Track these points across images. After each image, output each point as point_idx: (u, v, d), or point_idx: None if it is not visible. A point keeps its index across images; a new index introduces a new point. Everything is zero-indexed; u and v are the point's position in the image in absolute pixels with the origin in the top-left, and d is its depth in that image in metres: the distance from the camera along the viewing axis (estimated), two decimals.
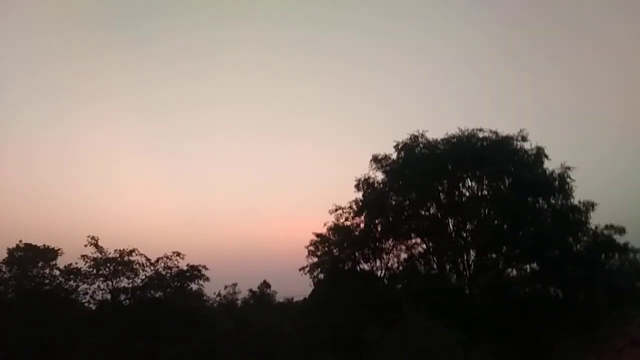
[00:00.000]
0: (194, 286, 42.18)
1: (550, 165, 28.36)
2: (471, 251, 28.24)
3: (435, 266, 29.33)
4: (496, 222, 28.46)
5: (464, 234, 28.73)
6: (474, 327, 24.20)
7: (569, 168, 27.84)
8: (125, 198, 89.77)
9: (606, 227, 27.48)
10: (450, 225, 28.84)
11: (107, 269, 39.58)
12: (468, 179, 28.88)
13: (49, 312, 35.50)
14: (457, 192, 29.00)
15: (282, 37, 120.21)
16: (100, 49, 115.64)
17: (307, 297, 38.83)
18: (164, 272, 41.12)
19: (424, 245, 29.74)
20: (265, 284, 55.28)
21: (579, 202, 27.68)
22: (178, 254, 42.14)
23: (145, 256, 40.74)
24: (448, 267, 29.01)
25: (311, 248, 34.04)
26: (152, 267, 40.93)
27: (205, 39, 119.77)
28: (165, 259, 41.62)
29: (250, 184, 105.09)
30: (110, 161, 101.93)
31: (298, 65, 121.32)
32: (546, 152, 28.42)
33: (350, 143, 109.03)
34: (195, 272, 41.88)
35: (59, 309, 36.78)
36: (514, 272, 28.59)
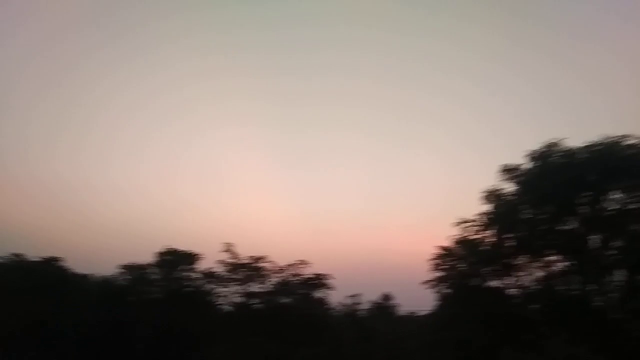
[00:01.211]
0: (318, 294, 43.67)
1: None
2: (620, 271, 25.42)
3: (576, 286, 26.85)
4: None
5: (610, 252, 25.97)
6: (623, 356, 21.73)
7: None
8: (257, 206, 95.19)
9: None
10: (594, 242, 26.27)
11: (240, 274, 42.57)
12: (613, 191, 26.12)
13: (191, 312, 38.99)
14: (600, 206, 26.36)
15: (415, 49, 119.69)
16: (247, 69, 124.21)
17: (431, 311, 37.89)
18: (291, 279, 43.14)
19: (563, 263, 27.39)
20: (387, 296, 54.94)
21: None
22: (304, 262, 44.02)
23: (274, 263, 43.21)
24: (592, 287, 26.39)
25: (436, 262, 33.23)
26: (280, 274, 43.27)
27: (342, 60, 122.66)
28: (292, 266, 43.69)
29: (374, 194, 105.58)
30: (245, 172, 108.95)
31: (424, 76, 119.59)
32: None
33: (475, 154, 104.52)
34: (320, 281, 43.30)
35: (199, 309, 40.26)
36: None
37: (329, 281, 43.14)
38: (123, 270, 44.42)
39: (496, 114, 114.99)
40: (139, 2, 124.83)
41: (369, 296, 53.30)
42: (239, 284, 42.48)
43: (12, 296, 37.67)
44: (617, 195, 26.18)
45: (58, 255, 44.28)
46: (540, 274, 27.95)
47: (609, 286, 25.59)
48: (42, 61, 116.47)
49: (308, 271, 43.05)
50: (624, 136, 26.11)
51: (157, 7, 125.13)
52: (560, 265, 27.45)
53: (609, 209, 26.32)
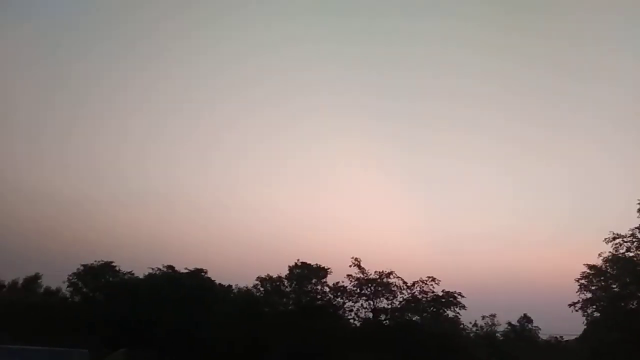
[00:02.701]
0: (450, 313, 41.88)
1: None
2: None
3: None
4: None
5: None
6: None
7: None
8: (387, 224, 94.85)
9: None
10: None
11: (368, 289, 42.63)
12: None
13: (321, 325, 39.80)
14: None
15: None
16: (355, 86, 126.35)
17: (579, 336, 34.31)
18: (420, 296, 42.05)
19: None
20: (526, 318, 50.84)
21: None
22: (433, 279, 42.63)
23: (402, 279, 42.53)
24: None
25: (583, 282, 30.15)
26: (408, 290, 42.44)
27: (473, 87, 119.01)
28: (420, 283, 42.58)
29: (503, 212, 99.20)
30: (377, 189, 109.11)
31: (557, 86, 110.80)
32: None
33: (618, 161, 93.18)
34: (451, 299, 41.54)
35: (329, 322, 40.97)
36: None
37: (461, 299, 41.25)
38: (259, 283, 46.93)
39: None
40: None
41: (506, 317, 49.85)
42: (367, 299, 42.52)
43: (166, 305, 41.94)
44: None
45: (203, 267, 48.39)
46: None
47: None
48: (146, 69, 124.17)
49: (438, 289, 41.68)
50: None
51: (267, 14, 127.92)
52: None
53: None
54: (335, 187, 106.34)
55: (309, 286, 45.13)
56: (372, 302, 42.55)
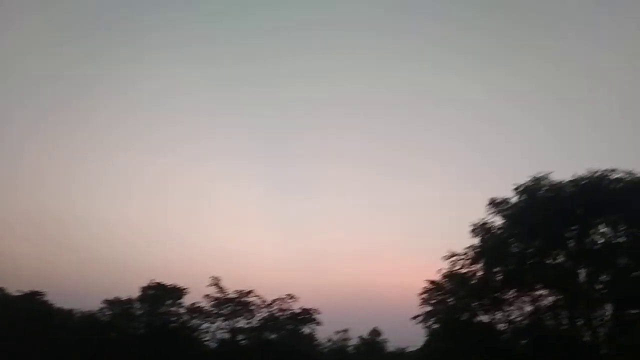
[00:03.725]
0: (306, 329, 42.83)
1: None
2: (607, 305, 25.29)
3: (565, 321, 26.61)
4: (636, 272, 25.34)
5: (598, 286, 25.91)
6: None
7: None
8: (245, 240, 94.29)
9: None
10: (582, 276, 26.21)
11: (226, 309, 41.73)
12: (601, 225, 26.28)
13: (175, 349, 37.91)
14: (588, 240, 26.44)
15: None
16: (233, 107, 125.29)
17: (420, 347, 37.22)
18: (278, 314, 42.33)
19: (552, 297, 27.22)
20: (376, 332, 54.07)
21: None
22: (292, 297, 43.28)
23: (261, 297, 42.45)
24: (580, 322, 26.17)
25: (425, 296, 32.87)
26: (267, 309, 42.47)
27: (335, 92, 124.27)
28: (279, 301, 42.94)
29: (361, 230, 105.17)
30: (233, 206, 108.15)
31: (418, 109, 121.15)
32: None
33: (462, 187, 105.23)
34: (307, 316, 42.52)
35: (183, 346, 39.18)
36: None
37: (317, 316, 42.45)
38: (106, 306, 43.35)
39: (489, 147, 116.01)
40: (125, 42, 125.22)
41: (359, 332, 52.46)
42: (225, 320, 41.59)
43: None
44: (604, 229, 26.35)
45: (40, 290, 43.29)
46: (529, 308, 27.73)
47: (597, 321, 25.40)
48: (33, 96, 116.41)
49: (296, 306, 42.40)
50: (610, 170, 26.50)
51: (142, 45, 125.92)
52: (548, 300, 27.29)
53: (596, 243, 26.43)
54: (194, 206, 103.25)
55: (163, 308, 42.82)
56: (230, 322, 41.70)
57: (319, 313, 42.52)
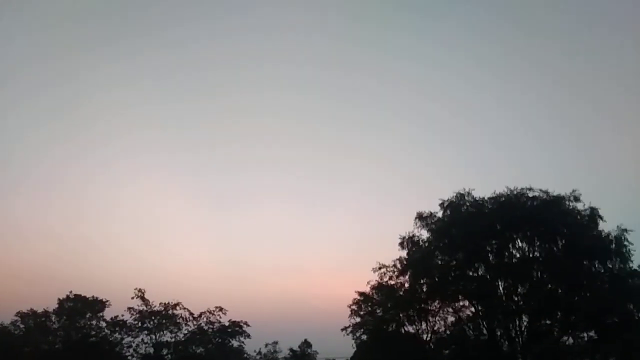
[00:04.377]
0: (235, 342, 41.99)
1: (606, 227, 27.06)
2: (523, 316, 26.79)
3: (485, 331, 27.89)
4: (550, 286, 27.08)
5: (515, 298, 27.40)
6: None
7: (626, 230, 26.47)
8: (172, 252, 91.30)
9: None
10: (500, 288, 27.64)
11: (151, 322, 40.08)
12: (518, 240, 27.90)
13: None
14: (506, 253, 27.97)
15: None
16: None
17: (349, 358, 37.62)
18: (206, 327, 41.22)
19: (473, 309, 28.48)
20: (306, 343, 53.97)
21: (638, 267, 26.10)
22: (221, 309, 42.32)
23: (188, 310, 41.20)
24: (499, 332, 27.53)
25: (354, 307, 33.38)
26: (195, 322, 41.26)
27: (251, 110, 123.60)
28: (208, 313, 41.85)
29: (293, 241, 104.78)
30: (159, 216, 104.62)
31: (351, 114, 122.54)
32: (601, 213, 27.23)
33: (394, 199, 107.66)
34: (237, 328, 41.72)
35: None
36: (571, 340, 26.76)
37: (247, 329, 41.76)
38: (20, 318, 40.44)
39: (415, 164, 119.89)
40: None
41: (289, 344, 52.11)
42: (149, 334, 39.94)
43: None
44: (521, 244, 27.96)
45: None
46: (451, 318, 28.85)
47: (515, 331, 26.80)
48: None
49: (225, 319, 41.51)
50: (527, 189, 28.24)
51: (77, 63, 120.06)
52: (470, 310, 28.51)
53: (514, 256, 27.96)
54: (124, 216, 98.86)
55: (82, 321, 40.50)
56: (154, 336, 40.09)
57: (248, 326, 41.87)
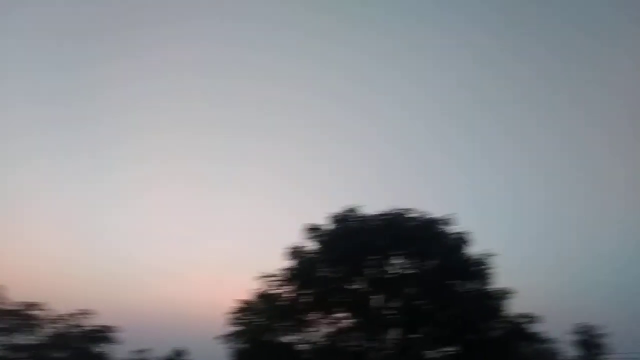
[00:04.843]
0: (100, 348, 39.08)
1: (475, 250, 29.72)
2: (395, 329, 28.36)
3: (359, 342, 29.03)
4: (421, 301, 28.99)
5: (390, 312, 28.95)
6: None
7: (489, 254, 29.28)
8: (39, 249, 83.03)
9: (522, 315, 28.59)
10: (377, 301, 29.05)
11: (6, 323, 36.03)
12: (396, 257, 29.61)
13: None
14: (385, 269, 29.53)
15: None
16: None
17: None
18: (69, 331, 37.96)
19: (350, 320, 29.55)
20: (179, 352, 51.94)
21: (498, 288, 28.92)
22: (86, 312, 39.16)
23: (51, 311, 37.64)
24: (371, 344, 28.81)
25: (234, 315, 32.80)
26: (56, 324, 37.81)
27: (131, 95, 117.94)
28: (72, 316, 38.57)
29: (175, 240, 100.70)
30: (26, 210, 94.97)
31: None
32: (472, 237, 29.81)
33: (281, 209, 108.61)
34: (103, 333, 38.91)
35: None
36: (435, 354, 28.80)
37: (114, 334, 39.19)
38: None
39: (306, 175, 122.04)
40: None
41: (161, 351, 49.75)
42: (3, 335, 35.88)
43: None
44: (399, 260, 29.71)
45: None
46: (328, 329, 29.61)
47: (386, 343, 28.24)
48: None
49: (91, 322, 38.59)
50: (407, 209, 30.28)
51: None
52: (347, 322, 29.53)
53: (391, 272, 29.60)
54: None
55: None
56: (9, 338, 36.11)
57: (117, 331, 39.36)
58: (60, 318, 37.77)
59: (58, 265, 76.82)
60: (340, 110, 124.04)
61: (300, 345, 29.73)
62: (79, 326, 38.20)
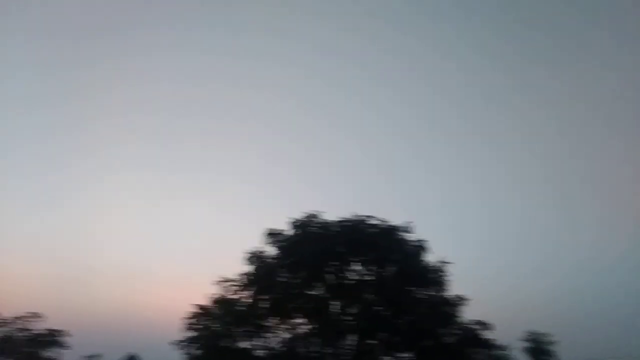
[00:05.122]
0: (48, 353, 37.63)
1: (432, 258, 30.31)
2: (353, 335, 28.51)
3: (315, 348, 29.03)
4: (379, 308, 29.27)
5: (348, 318, 29.09)
6: None
7: (446, 262, 29.92)
8: None
9: (476, 322, 29.30)
10: (335, 307, 29.14)
11: None
12: (356, 263, 29.82)
13: None
14: (345, 275, 29.68)
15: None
16: None
17: None
18: (16, 335, 36.40)
19: (308, 326, 29.53)
20: (131, 357, 50.54)
21: (453, 296, 29.57)
22: (35, 315, 37.68)
23: None
24: (329, 350, 28.86)
25: (191, 321, 32.25)
26: (2, 328, 36.19)
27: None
28: (19, 319, 37.00)
29: (133, 244, 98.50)
30: None
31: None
32: (429, 245, 30.37)
33: (239, 213, 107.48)
34: (52, 337, 37.49)
35: None
36: (391, 359, 29.13)
37: (64, 338, 37.86)
38: None
39: (267, 181, 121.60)
40: None
41: (113, 356, 48.25)
42: None
43: None
44: (358, 267, 29.93)
45: None
46: (287, 335, 29.49)
47: (343, 349, 28.35)
48: None
49: (39, 326, 37.16)
50: (368, 216, 30.53)
51: None
52: (305, 328, 29.49)
53: (350, 279, 29.78)
54: None
55: None
56: None
57: (67, 335, 38.04)
58: (6, 321, 36.18)
59: (3, 267, 73.57)
60: (302, 116, 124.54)
61: (257, 351, 29.48)
62: (26, 330, 36.68)
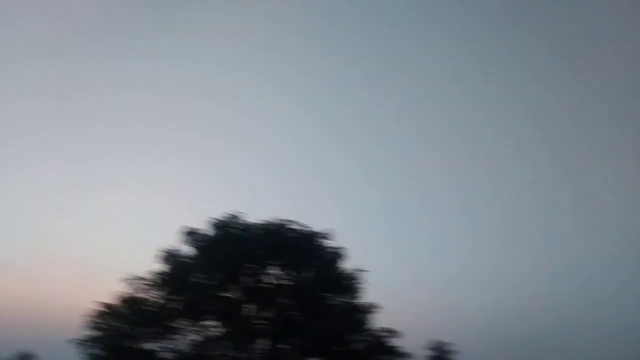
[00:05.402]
0: None
1: (350, 265, 30.77)
2: (266, 339, 28.34)
3: (227, 352, 28.53)
4: (293, 312, 29.35)
5: (261, 322, 28.89)
6: None
7: (361, 270, 30.61)
8: None
9: (385, 329, 30.15)
10: (249, 311, 28.85)
11: None
12: (274, 267, 29.72)
13: None
14: (261, 278, 29.47)
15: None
16: None
17: None
18: None
19: (220, 329, 28.96)
20: (25, 356, 46.80)
21: (365, 303, 30.30)
22: None
23: None
24: (241, 353, 28.48)
25: (93, 319, 30.50)
26: None
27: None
28: None
29: (31, 236, 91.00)
30: None
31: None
32: (347, 252, 30.77)
33: (157, 211, 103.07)
34: None
35: None
36: None
37: None
38: None
39: (187, 178, 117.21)
40: None
41: (4, 354, 44.34)
42: None
43: None
44: (276, 270, 29.85)
45: None
46: (195, 338, 28.73)
47: (255, 353, 28.09)
48: None
49: None
50: (290, 221, 30.53)
51: None
52: (216, 331, 28.90)
53: (266, 282, 29.64)
54: None
55: None
56: None
57: None
58: None
59: None
60: (225, 114, 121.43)
61: (163, 353, 28.45)
62: None
